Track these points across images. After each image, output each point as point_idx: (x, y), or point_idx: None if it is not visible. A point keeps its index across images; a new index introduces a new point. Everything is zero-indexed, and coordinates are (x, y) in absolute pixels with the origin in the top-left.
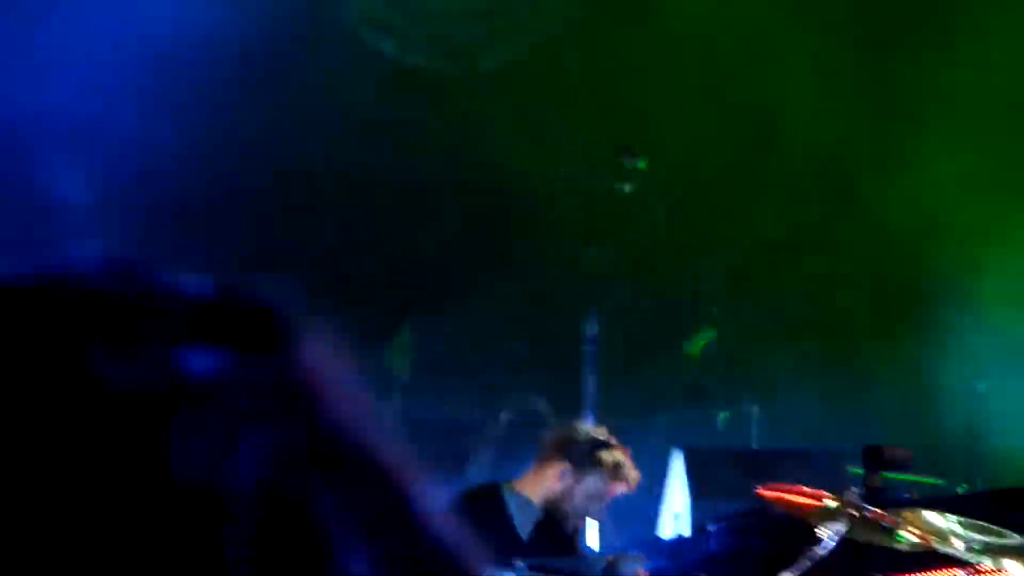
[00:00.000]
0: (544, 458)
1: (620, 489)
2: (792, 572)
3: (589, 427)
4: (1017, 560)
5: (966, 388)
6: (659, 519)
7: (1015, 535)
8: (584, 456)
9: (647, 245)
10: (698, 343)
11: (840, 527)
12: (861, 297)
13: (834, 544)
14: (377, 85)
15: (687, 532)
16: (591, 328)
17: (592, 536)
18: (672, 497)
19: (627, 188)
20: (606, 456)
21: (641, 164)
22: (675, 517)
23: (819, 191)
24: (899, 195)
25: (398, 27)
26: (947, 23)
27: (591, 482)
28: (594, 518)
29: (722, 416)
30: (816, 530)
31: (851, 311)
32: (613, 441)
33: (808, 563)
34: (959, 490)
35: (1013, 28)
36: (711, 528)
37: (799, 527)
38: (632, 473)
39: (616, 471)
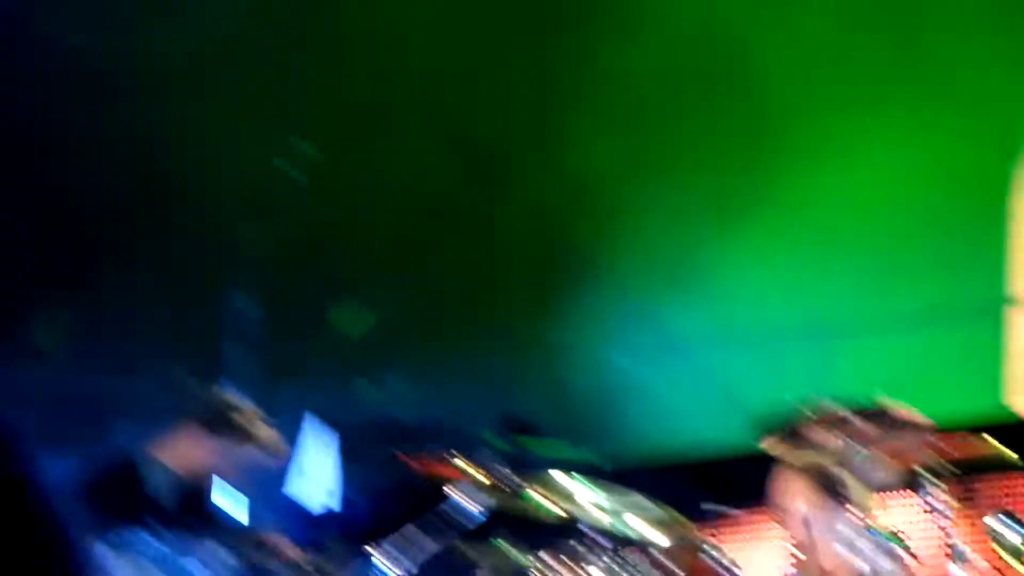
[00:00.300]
0: (184, 426)
1: (260, 457)
2: (437, 542)
3: (230, 394)
4: (657, 530)
5: (605, 360)
6: (300, 488)
7: (651, 504)
8: (224, 423)
9: (305, 222)
10: (351, 316)
11: (480, 495)
12: (511, 272)
13: (474, 511)
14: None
15: (329, 501)
16: (242, 302)
17: (232, 504)
18: (314, 466)
19: (293, 171)
20: (246, 424)
21: (310, 149)
22: (317, 486)
23: (478, 168)
24: (553, 173)
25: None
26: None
27: (231, 449)
28: (234, 486)
29: (366, 386)
30: (457, 497)
31: (500, 286)
32: (253, 409)
33: (450, 529)
34: (597, 461)
35: (665, 4)
36: (352, 498)
37: (441, 495)
38: (273, 442)
39: (256, 439)
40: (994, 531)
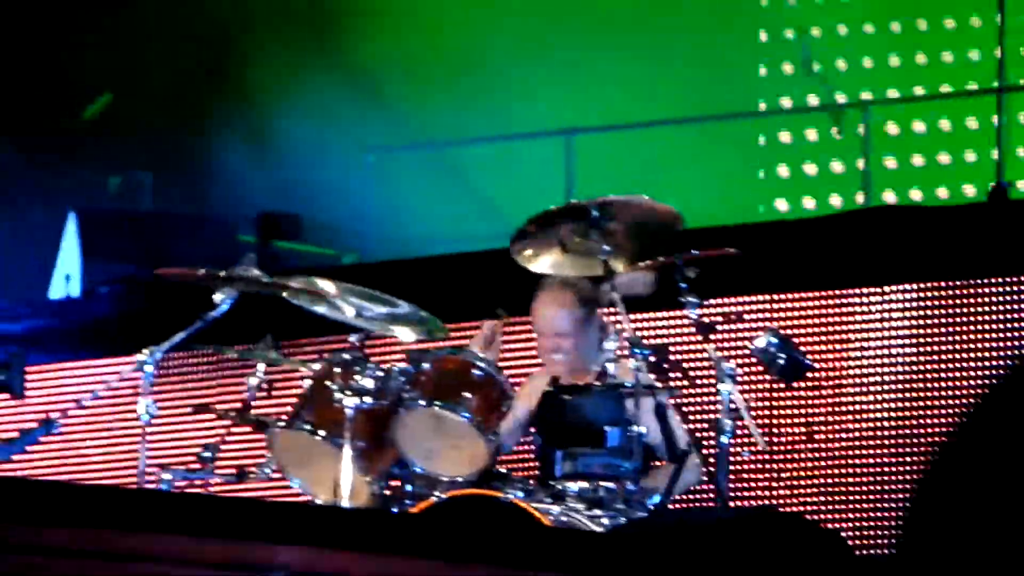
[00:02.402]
0: None
1: None
2: (186, 333)
3: None
4: (405, 326)
5: (355, 159)
6: (51, 280)
7: (403, 303)
8: None
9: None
10: (95, 106)
11: (234, 293)
12: (264, 57)
13: (228, 308)
14: None
15: (76, 293)
16: None
17: None
18: (64, 259)
19: None
20: None
21: None
22: (66, 279)
23: None
24: None
25: None
26: None
27: None
28: None
29: (113, 180)
30: (212, 296)
31: (242, 73)
32: None
33: (201, 324)
34: (345, 260)
35: None
36: (102, 290)
37: (195, 290)
38: None
39: None
40: (760, 350)
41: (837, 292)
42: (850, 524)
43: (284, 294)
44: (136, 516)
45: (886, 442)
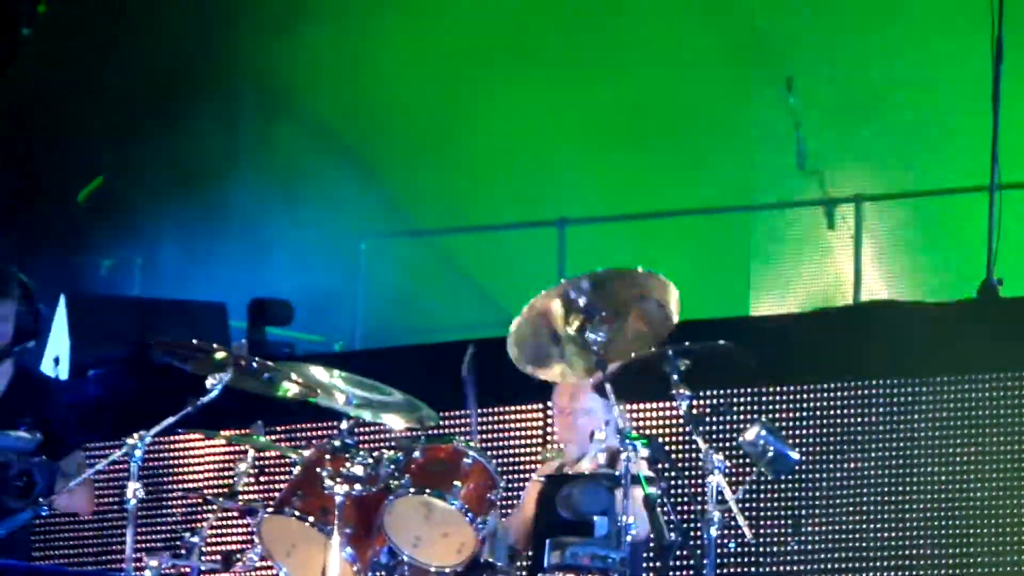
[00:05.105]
0: None
1: None
2: (176, 417)
3: None
4: (395, 414)
5: (348, 246)
6: (40, 363)
7: (395, 392)
8: None
9: (39, 83)
10: (86, 190)
11: (226, 377)
12: (259, 145)
13: (219, 393)
14: None
15: (64, 375)
16: None
17: None
18: (54, 342)
19: (25, 31)
20: None
21: (41, 8)
22: (55, 361)
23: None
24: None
25: None
26: None
27: None
28: None
29: (106, 264)
30: (205, 380)
31: (237, 159)
32: None
33: (192, 409)
34: (336, 347)
35: None
36: (91, 373)
37: (184, 375)
38: None
39: None
40: (750, 443)
41: (822, 386)
42: None
43: (276, 379)
44: None
45: (868, 536)
